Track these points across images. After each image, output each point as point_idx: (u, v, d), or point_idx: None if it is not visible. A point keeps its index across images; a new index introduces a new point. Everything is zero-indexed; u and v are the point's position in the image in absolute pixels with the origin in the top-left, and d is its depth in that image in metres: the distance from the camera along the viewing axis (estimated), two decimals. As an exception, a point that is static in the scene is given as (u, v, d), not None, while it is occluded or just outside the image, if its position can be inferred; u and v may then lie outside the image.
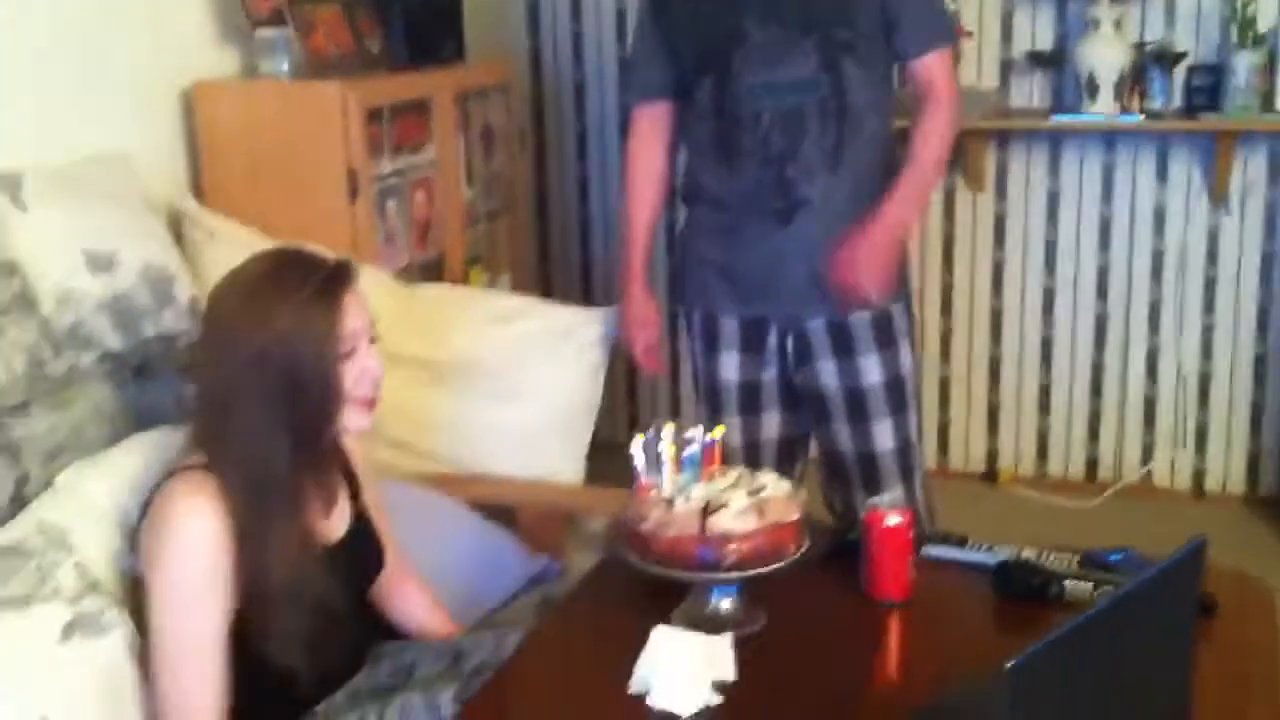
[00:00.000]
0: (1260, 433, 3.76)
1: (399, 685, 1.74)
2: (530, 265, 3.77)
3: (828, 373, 2.42)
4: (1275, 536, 3.56)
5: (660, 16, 2.44)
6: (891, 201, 2.33)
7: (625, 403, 4.22)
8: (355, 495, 1.91)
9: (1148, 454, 3.87)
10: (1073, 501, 3.81)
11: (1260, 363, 3.71)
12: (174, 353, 2.25)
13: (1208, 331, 3.73)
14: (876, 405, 2.43)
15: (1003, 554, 1.84)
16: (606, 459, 2.61)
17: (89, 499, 1.87)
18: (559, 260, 4.23)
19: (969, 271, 3.88)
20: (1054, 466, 3.97)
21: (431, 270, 2.93)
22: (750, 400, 2.49)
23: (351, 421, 1.77)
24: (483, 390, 2.58)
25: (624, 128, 4.02)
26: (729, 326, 2.46)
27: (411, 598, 1.99)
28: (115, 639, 1.75)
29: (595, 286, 4.20)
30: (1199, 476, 3.84)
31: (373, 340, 1.78)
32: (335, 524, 1.85)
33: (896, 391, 2.44)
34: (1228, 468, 3.81)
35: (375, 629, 1.95)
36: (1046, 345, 3.88)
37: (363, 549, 1.90)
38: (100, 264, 2.23)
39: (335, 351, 1.72)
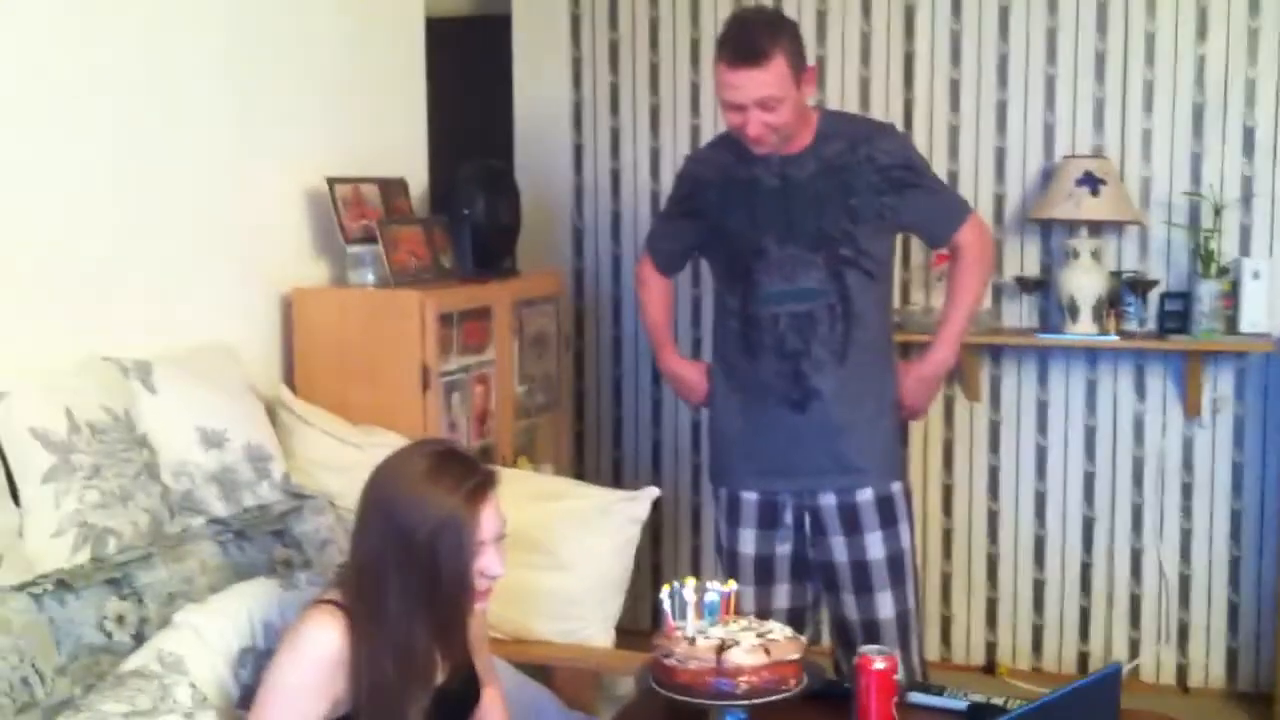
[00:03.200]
0: (1238, 631, 4.04)
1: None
2: (567, 460, 4.15)
3: (838, 547, 2.77)
4: (1255, 729, 3.82)
5: (692, 224, 2.91)
6: (936, 347, 2.87)
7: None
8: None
9: (1134, 649, 4.14)
10: (1066, 692, 4.05)
11: (1235, 565, 4.02)
12: (269, 520, 2.62)
13: (1186, 535, 4.06)
14: (879, 577, 2.77)
15: (974, 698, 2.17)
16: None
17: (200, 633, 2.19)
18: (592, 456, 4.62)
19: (967, 475, 4.23)
20: (1048, 660, 4.24)
21: (484, 457, 3.30)
22: (764, 572, 2.83)
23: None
24: (528, 561, 2.90)
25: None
26: (749, 503, 2.83)
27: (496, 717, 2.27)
28: (224, 747, 2.09)
29: (625, 482, 4.56)
30: (1182, 672, 4.10)
31: (499, 539, 2.01)
32: (445, 668, 2.11)
33: (897, 566, 2.79)
34: (1209, 664, 4.08)
35: None
36: (1039, 545, 4.20)
37: (463, 690, 2.15)
38: (212, 440, 2.62)
39: (471, 552, 1.95)
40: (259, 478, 2.69)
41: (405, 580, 1.95)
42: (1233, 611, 4.04)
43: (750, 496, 2.83)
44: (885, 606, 2.79)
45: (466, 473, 1.99)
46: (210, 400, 2.67)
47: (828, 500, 2.77)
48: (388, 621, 1.95)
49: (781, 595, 2.85)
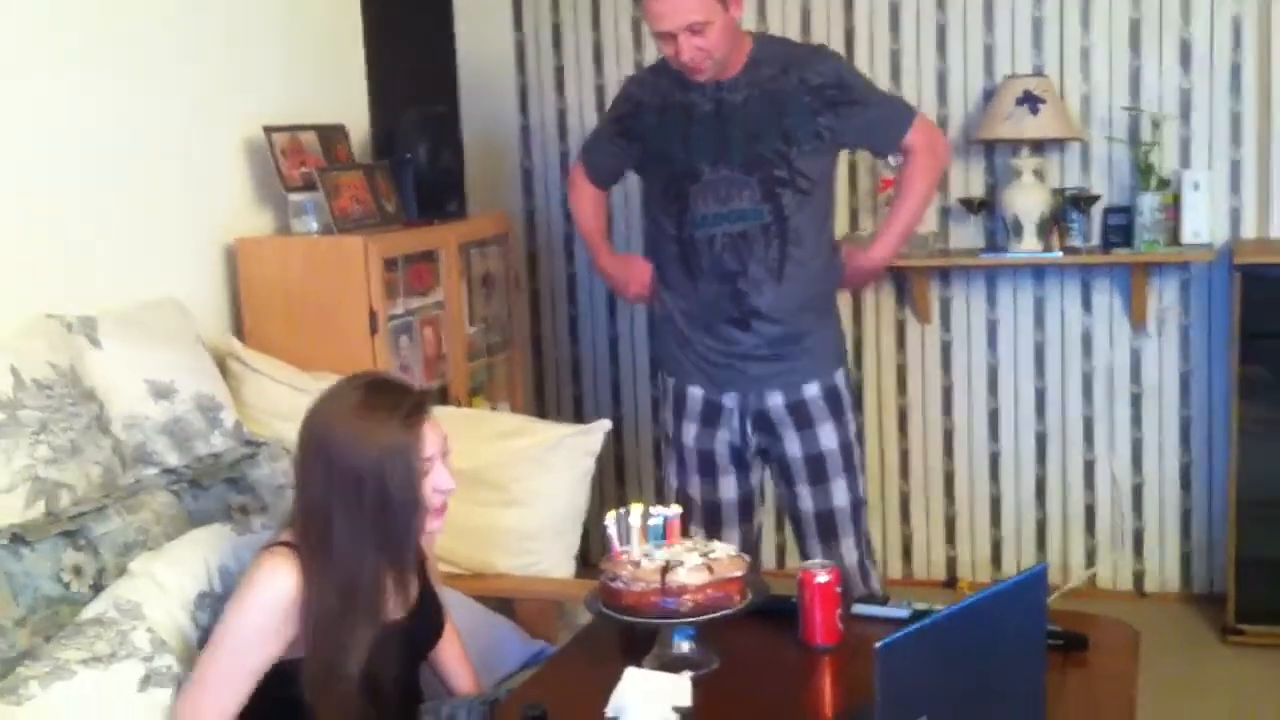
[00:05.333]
0: (1190, 535, 4.13)
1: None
2: (527, 399, 4.18)
3: (791, 441, 2.84)
4: (1210, 630, 3.89)
5: (628, 145, 2.94)
6: (879, 244, 2.95)
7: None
8: (421, 570, 2.18)
9: (1091, 558, 4.23)
10: (1026, 603, 4.13)
11: (1186, 471, 4.09)
12: (223, 468, 2.65)
13: (1137, 444, 4.13)
14: (834, 466, 2.85)
15: (916, 606, 2.22)
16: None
17: (156, 580, 2.22)
18: (552, 394, 4.65)
19: (921, 396, 4.29)
20: (1008, 572, 4.31)
21: (438, 398, 3.34)
22: (707, 465, 2.91)
23: (427, 527, 2.07)
24: (485, 499, 2.94)
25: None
26: (694, 399, 2.90)
27: (451, 651, 2.32)
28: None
29: (586, 418, 4.59)
30: (1139, 577, 4.19)
31: (445, 455, 2.05)
32: (401, 602, 2.14)
33: (848, 454, 2.87)
34: (1163, 568, 4.16)
35: (417, 693, 2.24)
36: (994, 461, 4.27)
37: (424, 623, 2.18)
38: (161, 392, 2.64)
39: (421, 473, 1.99)
40: (211, 427, 2.72)
41: (352, 516, 1.97)
42: (1185, 516, 4.12)
43: (696, 392, 2.91)
44: (840, 494, 2.88)
45: (399, 398, 2.02)
46: (157, 352, 2.68)
47: (775, 400, 2.84)
48: (334, 557, 1.98)
49: (729, 486, 2.93)
